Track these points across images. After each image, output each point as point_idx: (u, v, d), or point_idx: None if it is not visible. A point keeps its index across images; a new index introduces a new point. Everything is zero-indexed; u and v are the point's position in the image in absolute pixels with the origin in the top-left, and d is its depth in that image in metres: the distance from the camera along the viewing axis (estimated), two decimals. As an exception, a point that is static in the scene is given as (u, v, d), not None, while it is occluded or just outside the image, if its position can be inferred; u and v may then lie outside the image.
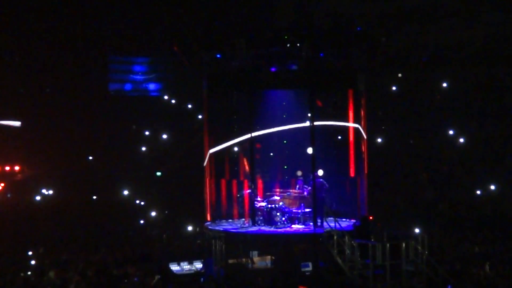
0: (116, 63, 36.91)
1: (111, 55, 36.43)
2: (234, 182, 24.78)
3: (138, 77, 37.40)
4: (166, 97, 36.97)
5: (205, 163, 24.89)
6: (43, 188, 32.90)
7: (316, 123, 23.06)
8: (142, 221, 31.78)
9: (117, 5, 33.99)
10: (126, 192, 33.28)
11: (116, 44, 35.33)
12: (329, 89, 24.07)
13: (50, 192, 33.03)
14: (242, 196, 24.07)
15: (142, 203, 33.28)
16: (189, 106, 35.99)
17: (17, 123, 33.41)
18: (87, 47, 34.27)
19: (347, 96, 24.03)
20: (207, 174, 24.80)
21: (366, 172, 24.14)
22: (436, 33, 32.89)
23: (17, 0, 33.19)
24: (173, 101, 36.79)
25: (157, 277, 20.81)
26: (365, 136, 24.42)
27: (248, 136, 23.61)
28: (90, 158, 34.93)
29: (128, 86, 37.25)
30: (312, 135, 22.69)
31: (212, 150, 24.53)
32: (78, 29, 33.91)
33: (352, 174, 23.94)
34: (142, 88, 37.44)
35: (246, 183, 24.37)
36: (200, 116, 31.78)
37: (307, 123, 23.69)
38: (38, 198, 32.61)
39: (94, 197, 33.55)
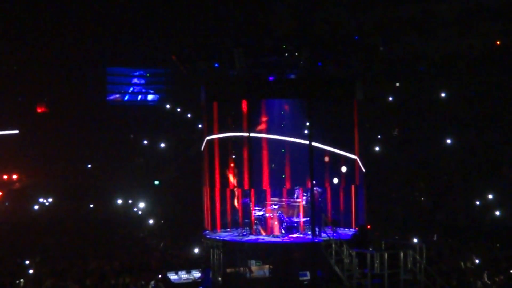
0: (115, 73, 37.01)
1: (110, 65, 36.51)
2: (233, 191, 24.71)
3: (136, 86, 37.47)
4: (164, 106, 36.97)
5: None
6: (41, 197, 32.84)
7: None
8: (143, 229, 31.69)
9: (116, 15, 34.08)
10: (124, 201, 33.22)
11: (115, 54, 35.40)
12: (328, 99, 24.01)
13: (48, 200, 32.99)
14: (244, 203, 23.92)
15: (140, 212, 33.19)
16: (188, 115, 35.96)
17: (15, 131, 33.38)
18: (86, 56, 34.34)
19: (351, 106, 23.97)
20: (205, 183, 24.72)
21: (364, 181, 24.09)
22: (434, 42, 32.96)
23: (18, 10, 33.28)
24: (171, 110, 36.78)
25: (152, 284, 20.81)
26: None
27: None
28: (89, 166, 34.90)
29: (126, 95, 37.30)
30: (310, 145, 22.62)
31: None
32: (77, 39, 33.98)
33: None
34: (141, 97, 37.49)
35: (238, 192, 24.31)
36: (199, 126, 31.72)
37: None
38: (36, 206, 32.55)
39: (92, 206, 33.49)
